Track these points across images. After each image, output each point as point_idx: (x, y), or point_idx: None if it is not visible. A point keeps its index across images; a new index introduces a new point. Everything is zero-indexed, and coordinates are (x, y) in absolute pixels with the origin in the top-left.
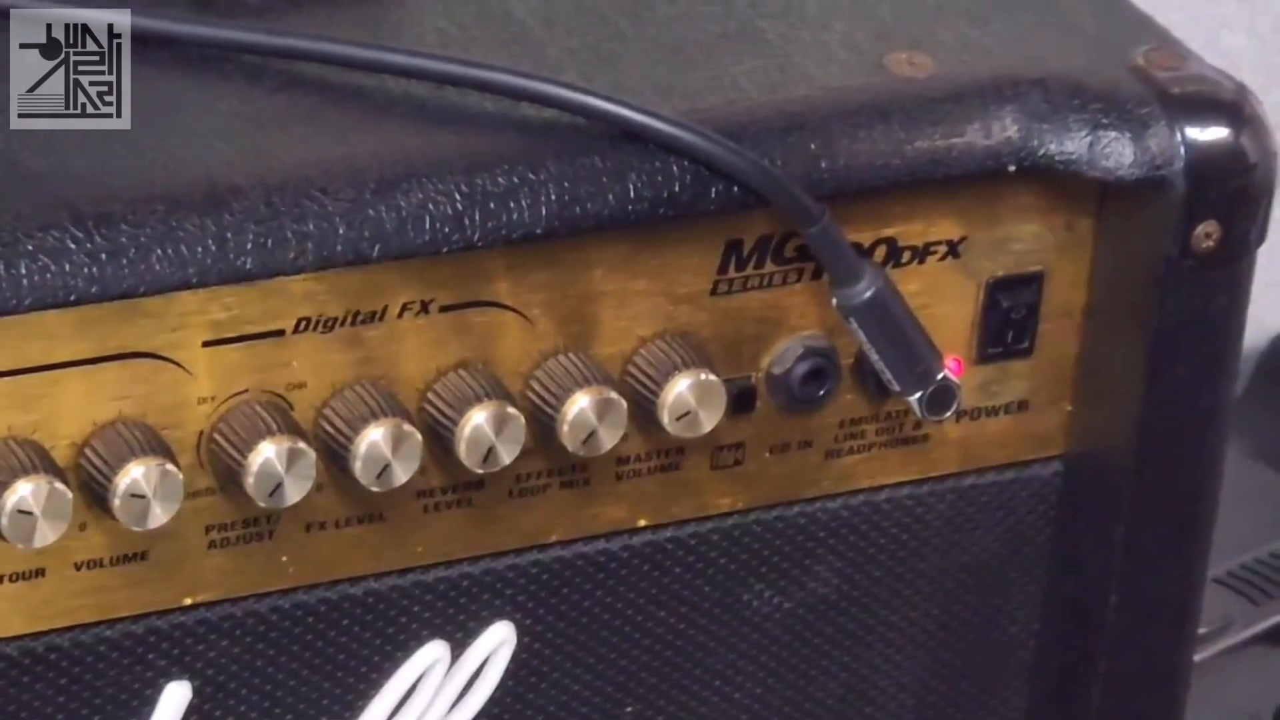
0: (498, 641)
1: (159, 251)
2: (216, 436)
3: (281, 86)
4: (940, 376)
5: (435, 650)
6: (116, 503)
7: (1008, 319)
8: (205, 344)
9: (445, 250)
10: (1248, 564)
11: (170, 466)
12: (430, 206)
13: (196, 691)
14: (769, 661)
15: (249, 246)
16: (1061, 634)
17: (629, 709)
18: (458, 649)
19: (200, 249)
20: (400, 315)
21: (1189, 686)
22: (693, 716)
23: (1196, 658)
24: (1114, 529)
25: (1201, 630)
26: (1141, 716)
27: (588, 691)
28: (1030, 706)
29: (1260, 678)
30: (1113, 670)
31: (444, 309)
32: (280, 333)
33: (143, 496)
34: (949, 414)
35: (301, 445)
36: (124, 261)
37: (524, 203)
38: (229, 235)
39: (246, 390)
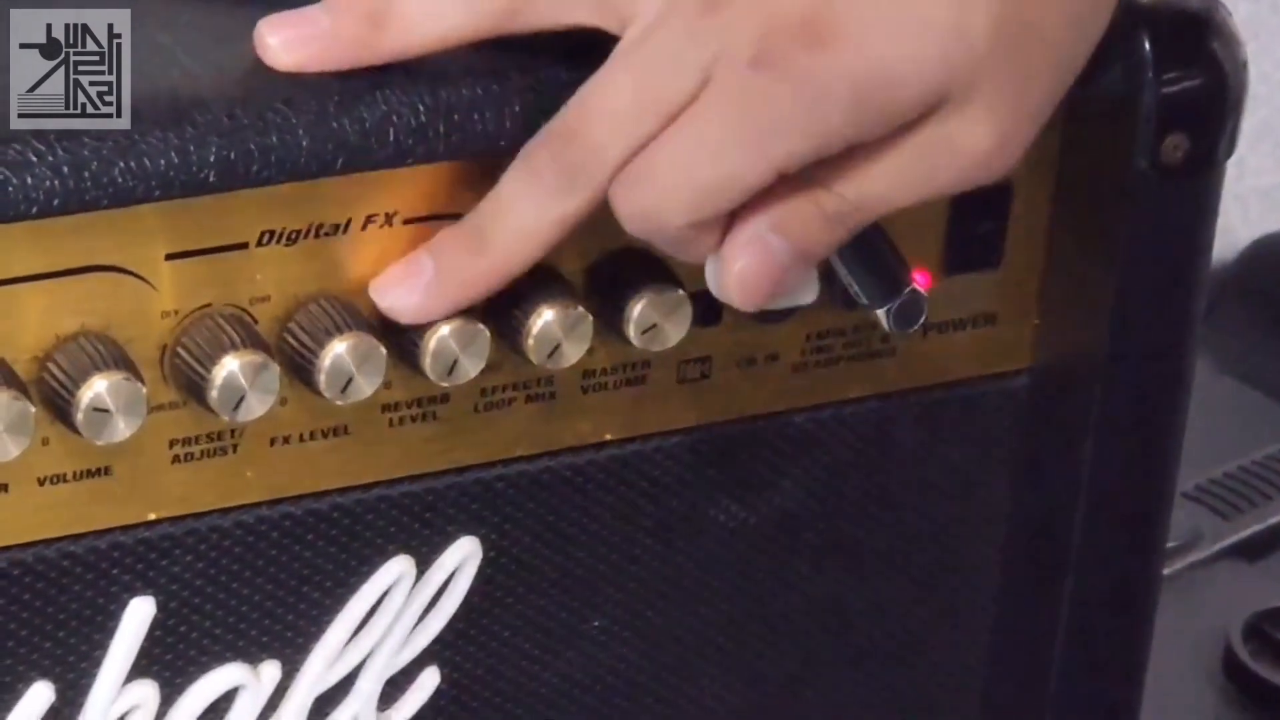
0: (463, 557)
1: (121, 164)
2: (180, 350)
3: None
4: (908, 290)
5: (400, 565)
6: (79, 416)
7: (975, 233)
8: (168, 257)
9: (409, 162)
10: (1216, 478)
11: (133, 380)
12: (394, 119)
13: (160, 607)
14: (735, 577)
15: (211, 159)
16: (1028, 549)
17: (595, 624)
18: (423, 564)
19: (163, 161)
20: (364, 228)
21: (1157, 601)
22: (658, 632)
23: (1165, 571)
24: (1081, 443)
25: (1170, 544)
26: (1110, 631)
27: (553, 606)
28: (996, 622)
29: (1228, 591)
30: (1080, 585)
31: (408, 221)
32: (244, 246)
33: (106, 410)
34: (917, 327)
35: (265, 359)
36: (86, 174)
37: (488, 115)
38: (191, 148)
39: (209, 304)
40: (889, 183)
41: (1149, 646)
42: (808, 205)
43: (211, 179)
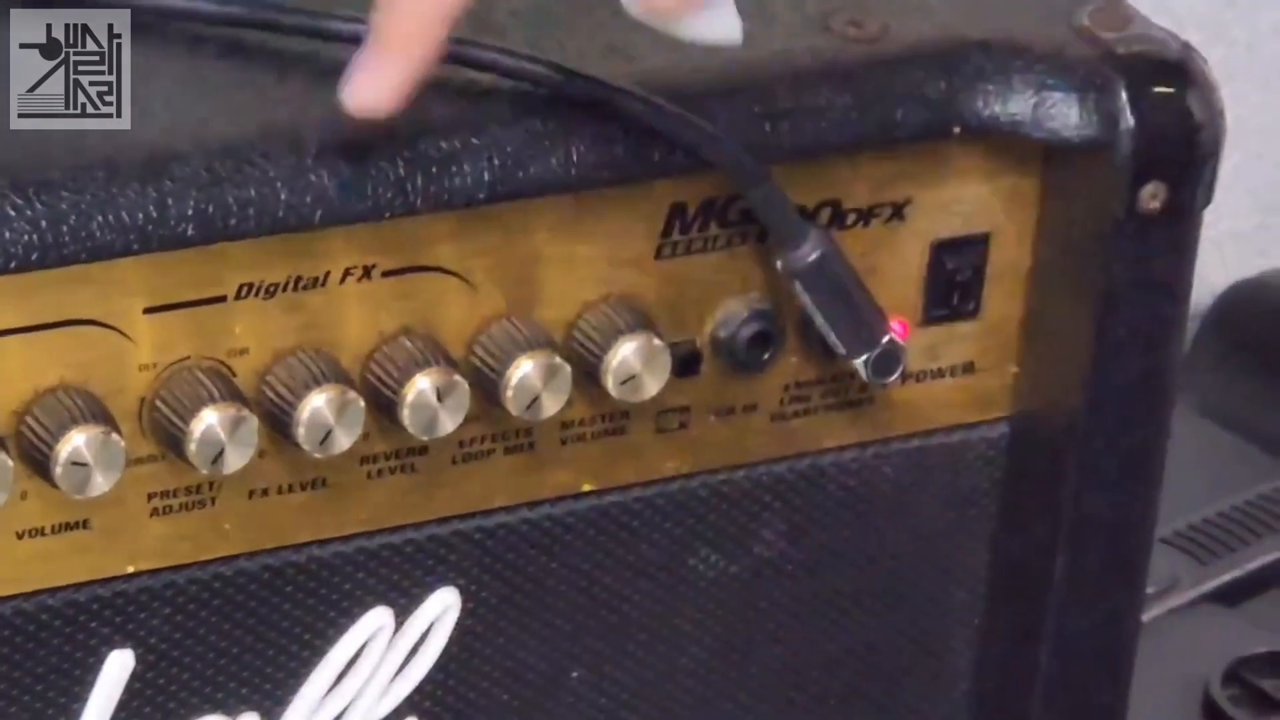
0: (442, 608)
1: (99, 218)
2: (158, 403)
3: (223, 53)
4: (886, 339)
5: (379, 617)
6: (58, 470)
7: (953, 281)
8: (146, 310)
9: (387, 215)
10: (1195, 524)
11: (112, 434)
12: (372, 172)
13: (139, 659)
14: (715, 626)
15: (190, 213)
16: (1009, 596)
17: (574, 674)
18: (402, 616)
19: (141, 215)
20: (342, 281)
21: (1137, 647)
22: (638, 681)
23: (1144, 617)
24: (1061, 490)
25: (1149, 590)
26: (1090, 677)
27: (533, 658)
28: (977, 670)
29: (1207, 637)
30: (1061, 631)
31: (386, 274)
32: (222, 299)
33: (84, 464)
34: (895, 377)
35: (244, 412)
36: (64, 228)
37: (465, 168)
38: (169, 201)
39: (188, 357)
40: None
41: (1129, 693)
42: None
43: (190, 232)
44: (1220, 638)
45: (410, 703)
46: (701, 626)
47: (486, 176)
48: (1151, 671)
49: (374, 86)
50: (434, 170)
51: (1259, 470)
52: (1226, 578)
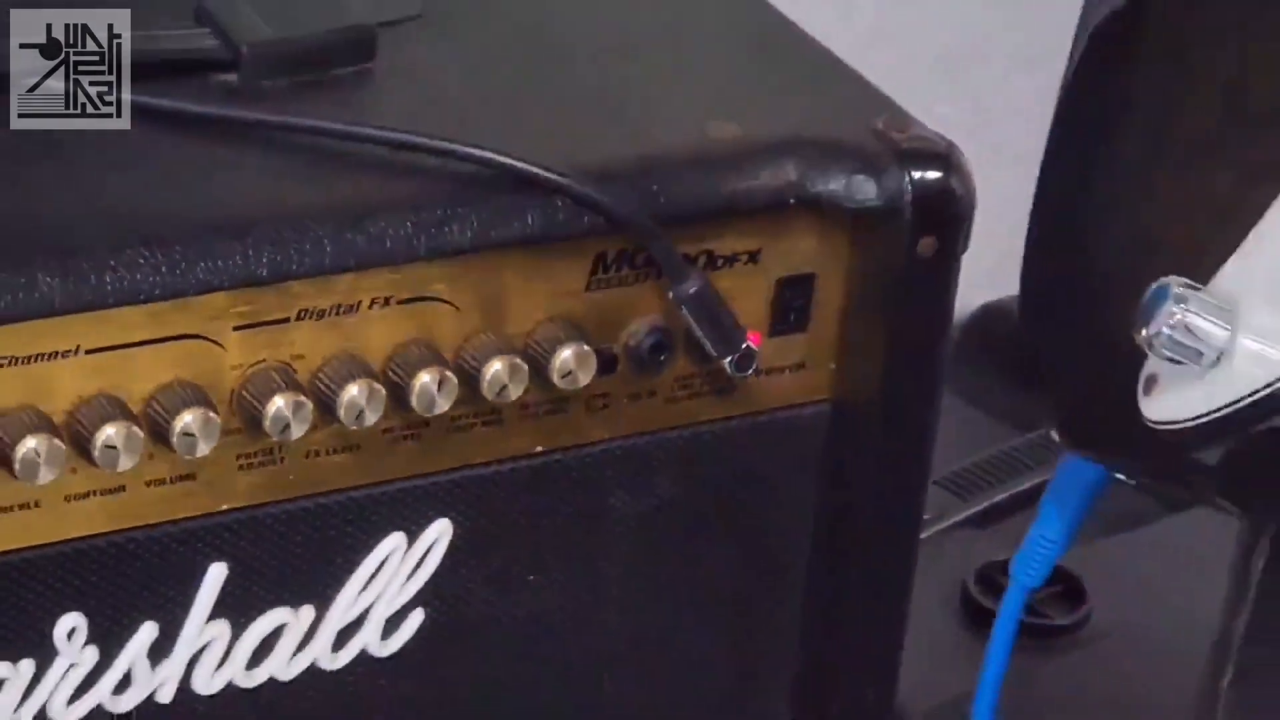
0: (438, 534)
1: (202, 264)
2: (243, 393)
3: (290, 150)
4: (745, 346)
5: (395, 540)
6: (174, 439)
7: (790, 306)
8: (235, 328)
9: (400, 262)
10: (956, 471)
11: (211, 414)
12: (389, 232)
13: (230, 570)
14: (627, 549)
15: (264, 260)
16: (830, 531)
17: (531, 578)
18: (411, 538)
19: (230, 262)
20: (370, 307)
21: (916, 560)
22: (575, 581)
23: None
24: (866, 451)
25: (925, 518)
26: (883, 585)
27: (502, 568)
28: (807, 586)
29: (965, 551)
30: (865, 556)
31: (400, 302)
32: (286, 320)
33: (192, 435)
34: (750, 371)
35: (302, 399)
36: (178, 272)
37: (454, 229)
38: (250, 253)
39: (264, 360)
40: None
41: (910, 594)
42: None
43: (264, 274)
44: (973, 550)
45: (418, 598)
46: (618, 545)
47: (469, 235)
48: (926, 575)
49: None
50: (432, 231)
51: (997, 435)
52: (977, 508)
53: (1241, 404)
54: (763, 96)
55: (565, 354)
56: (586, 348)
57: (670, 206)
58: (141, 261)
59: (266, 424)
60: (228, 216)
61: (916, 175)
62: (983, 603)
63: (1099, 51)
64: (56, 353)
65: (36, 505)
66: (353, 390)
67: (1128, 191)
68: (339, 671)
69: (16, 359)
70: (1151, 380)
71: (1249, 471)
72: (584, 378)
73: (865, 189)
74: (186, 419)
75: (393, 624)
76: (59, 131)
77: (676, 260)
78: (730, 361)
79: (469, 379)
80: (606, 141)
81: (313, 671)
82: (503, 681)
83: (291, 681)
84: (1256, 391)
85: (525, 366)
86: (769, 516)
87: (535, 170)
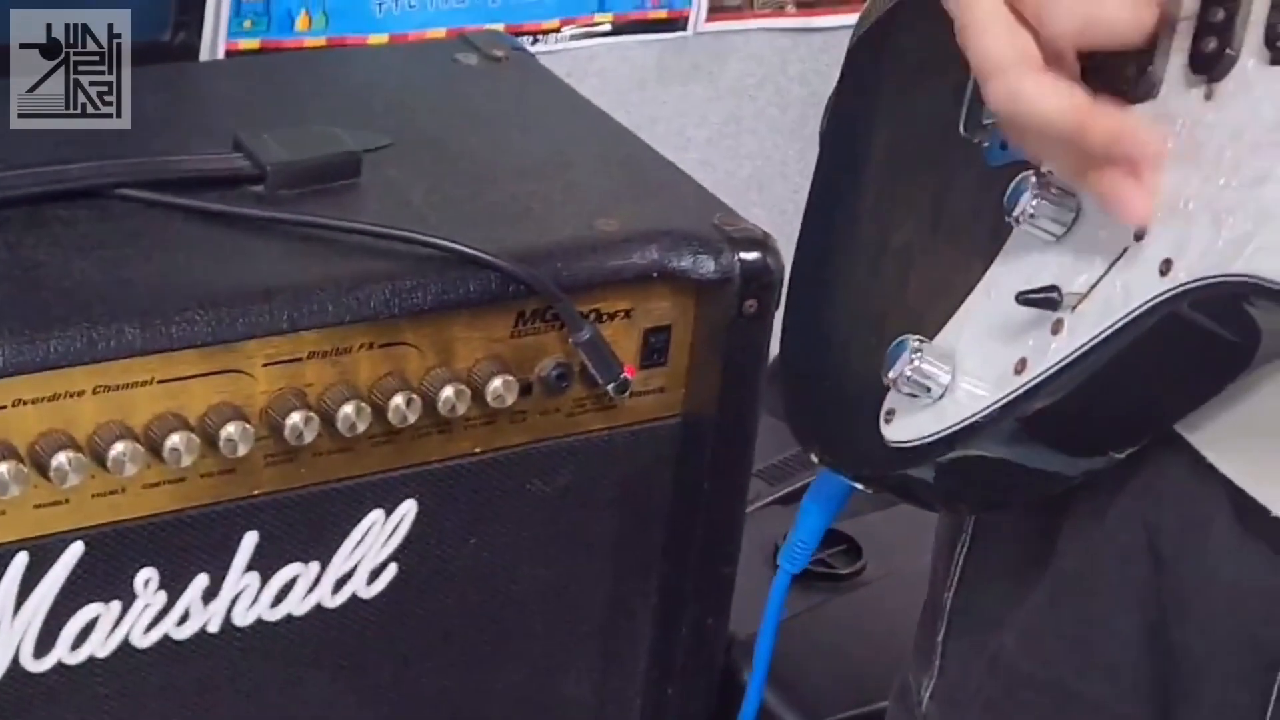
0: (407, 510)
1: (240, 320)
2: (269, 411)
3: (302, 239)
4: (622, 376)
5: (376, 514)
6: (220, 444)
7: (654, 349)
8: (264, 365)
9: (381, 319)
10: (768, 465)
11: (246, 425)
12: (373, 297)
13: (260, 537)
14: (540, 516)
15: (285, 317)
16: (679, 516)
17: (472, 540)
18: (388, 513)
19: (260, 319)
20: (359, 350)
21: (742, 529)
22: (505, 545)
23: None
24: (707, 452)
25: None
26: (719, 545)
27: (450, 534)
28: (663, 557)
29: (775, 523)
30: (706, 533)
31: (380, 346)
32: (300, 359)
33: (233, 440)
34: (627, 395)
35: (312, 415)
36: (223, 325)
37: (418, 295)
38: (274, 312)
39: (284, 387)
40: None
41: (739, 557)
42: None
43: (285, 327)
44: (781, 522)
45: (393, 556)
46: (533, 517)
47: (429, 299)
48: (749, 540)
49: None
50: (403, 296)
51: (795, 440)
52: (783, 492)
53: (960, 425)
54: (633, 200)
55: (496, 383)
56: (511, 378)
57: (570, 279)
58: (197, 319)
59: (286, 433)
60: (258, 286)
61: (743, 256)
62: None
63: (831, 147)
64: (137, 383)
65: (123, 491)
66: (347, 409)
67: (864, 270)
68: (337, 609)
69: (109, 387)
70: (891, 412)
71: (958, 487)
72: (509, 399)
73: (707, 265)
74: (229, 429)
75: (375, 574)
76: (138, 221)
77: (574, 316)
78: (612, 387)
79: (428, 400)
80: (525, 234)
81: (319, 608)
82: (454, 615)
83: (304, 616)
84: (969, 416)
85: (468, 391)
86: (638, 497)
87: (476, 253)
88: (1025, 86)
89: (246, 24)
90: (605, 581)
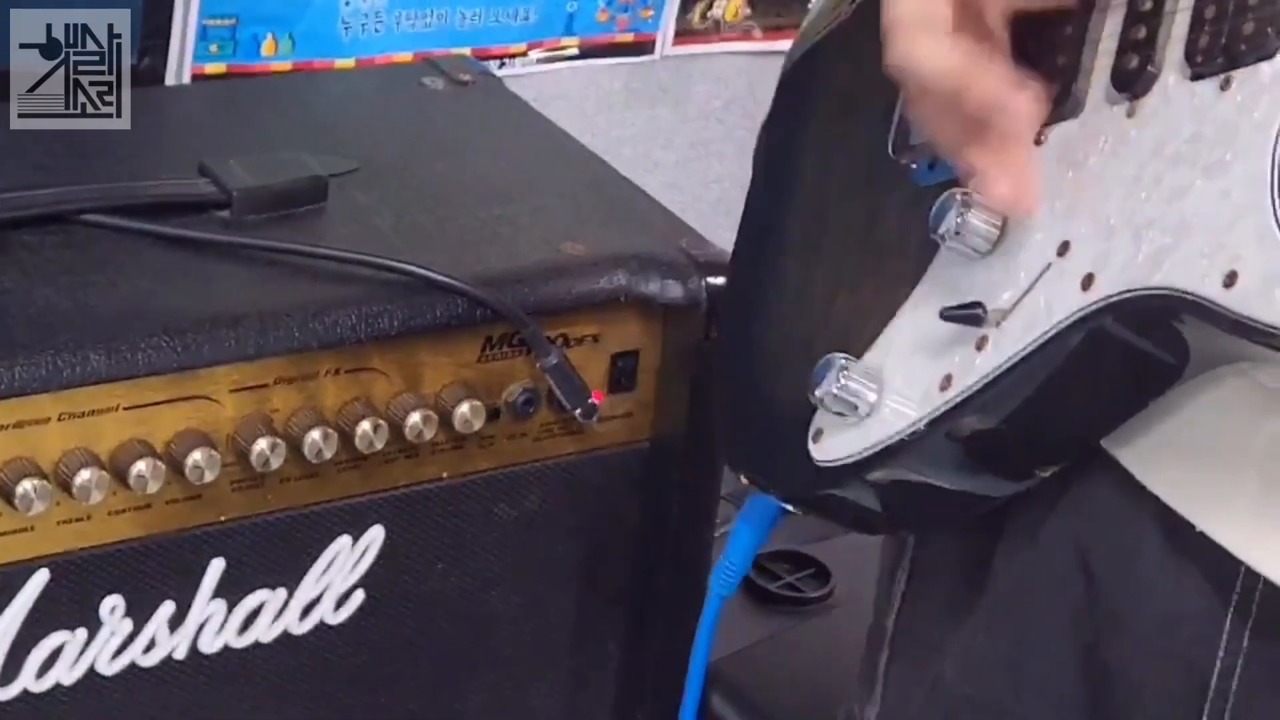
0: (374, 537)
1: (207, 346)
2: (236, 436)
3: (268, 265)
4: (590, 401)
5: (344, 540)
6: (187, 470)
7: (622, 373)
8: (230, 391)
9: (347, 343)
10: (735, 490)
11: (213, 452)
12: (340, 322)
13: (227, 563)
14: (509, 541)
15: (251, 343)
16: (652, 533)
17: (439, 566)
18: (355, 539)
19: (226, 345)
20: (325, 375)
21: (711, 550)
22: (476, 571)
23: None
24: (675, 476)
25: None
26: (687, 567)
27: (421, 558)
28: (633, 570)
29: None
30: (674, 545)
31: (347, 372)
32: (266, 385)
33: (200, 467)
34: (594, 419)
35: (278, 441)
36: (190, 351)
37: (385, 320)
38: (241, 338)
39: (250, 413)
40: None
41: (707, 572)
42: None
43: (251, 353)
44: None
45: (359, 582)
46: (502, 542)
47: (396, 324)
48: (717, 560)
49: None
50: (370, 321)
51: None
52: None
53: (886, 443)
54: (600, 225)
55: (464, 408)
56: (478, 403)
57: (537, 303)
58: (163, 345)
59: (253, 459)
60: (225, 312)
61: (710, 281)
62: (755, 580)
63: (764, 167)
64: (102, 410)
65: (89, 518)
66: (314, 435)
67: (793, 292)
68: (304, 635)
69: (74, 414)
70: (819, 432)
71: (883, 507)
72: (477, 424)
73: (674, 290)
74: (196, 456)
75: (342, 600)
76: (104, 247)
77: (541, 341)
78: (579, 412)
79: (396, 426)
80: (492, 258)
81: (286, 635)
82: (418, 642)
83: (271, 643)
84: (896, 434)
85: (435, 416)
86: (607, 522)
87: (442, 278)
88: (919, 43)
89: (213, 49)
90: (573, 606)
